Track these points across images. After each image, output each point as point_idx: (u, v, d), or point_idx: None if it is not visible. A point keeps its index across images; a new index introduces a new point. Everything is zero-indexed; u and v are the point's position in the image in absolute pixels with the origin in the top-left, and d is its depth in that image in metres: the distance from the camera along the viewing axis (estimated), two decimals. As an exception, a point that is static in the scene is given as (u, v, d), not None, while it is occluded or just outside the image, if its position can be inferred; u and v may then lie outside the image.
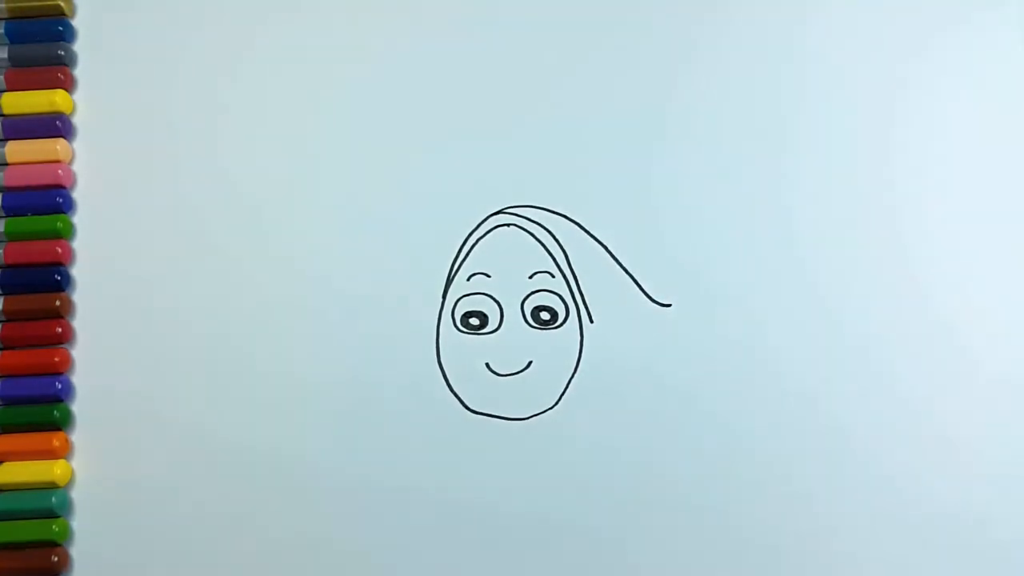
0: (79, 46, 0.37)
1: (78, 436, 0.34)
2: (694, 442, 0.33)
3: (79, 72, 0.36)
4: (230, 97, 0.36)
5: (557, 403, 0.34)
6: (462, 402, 0.34)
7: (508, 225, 0.35)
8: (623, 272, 0.34)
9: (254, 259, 0.35)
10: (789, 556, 0.33)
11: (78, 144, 0.36)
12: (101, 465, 0.34)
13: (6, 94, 0.36)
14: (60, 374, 0.34)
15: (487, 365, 0.34)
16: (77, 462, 0.34)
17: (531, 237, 0.35)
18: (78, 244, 0.35)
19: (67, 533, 0.33)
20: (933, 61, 0.36)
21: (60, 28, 0.36)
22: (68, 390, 0.34)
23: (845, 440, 0.33)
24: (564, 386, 0.34)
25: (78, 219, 0.35)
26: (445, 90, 0.36)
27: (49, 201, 0.35)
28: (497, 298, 0.34)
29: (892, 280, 0.34)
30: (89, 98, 0.36)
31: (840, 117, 0.35)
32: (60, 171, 0.35)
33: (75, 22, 0.37)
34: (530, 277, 0.34)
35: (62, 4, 0.36)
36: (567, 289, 0.34)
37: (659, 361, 0.34)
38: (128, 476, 0.34)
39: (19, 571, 0.33)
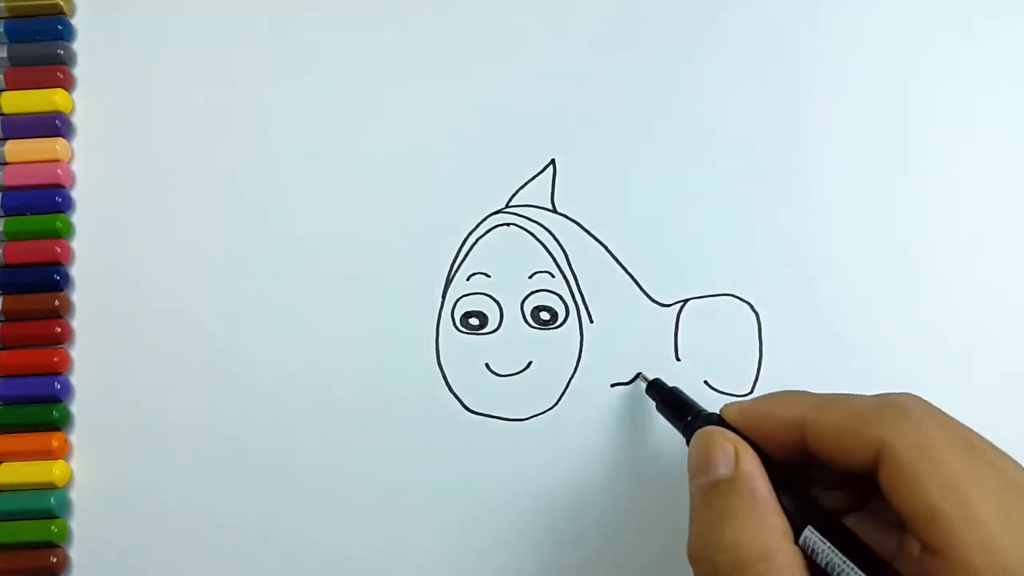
0: (79, 45, 0.36)
1: (77, 436, 0.34)
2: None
3: (78, 71, 0.36)
4: (230, 96, 0.36)
5: (557, 403, 0.34)
6: (461, 402, 0.34)
7: (508, 225, 0.35)
8: (623, 272, 0.34)
9: (254, 259, 0.35)
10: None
11: (77, 143, 0.36)
12: (100, 466, 0.34)
13: (5, 93, 0.36)
14: (59, 374, 0.34)
15: (487, 365, 0.34)
16: (76, 463, 0.34)
17: (531, 237, 0.34)
18: (77, 244, 0.35)
19: (66, 534, 0.33)
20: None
21: (60, 27, 0.36)
22: (67, 390, 0.34)
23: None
24: (564, 386, 0.34)
25: (77, 218, 0.35)
26: (445, 89, 0.36)
27: (48, 200, 0.35)
28: (497, 298, 0.34)
29: (899, 280, 0.34)
30: (88, 97, 0.36)
31: (847, 117, 0.35)
32: (59, 170, 0.35)
33: (75, 21, 0.36)
34: (530, 277, 0.34)
35: (62, 3, 0.36)
36: (567, 289, 0.34)
37: (659, 361, 0.34)
38: (127, 477, 0.34)
39: (17, 572, 0.33)
